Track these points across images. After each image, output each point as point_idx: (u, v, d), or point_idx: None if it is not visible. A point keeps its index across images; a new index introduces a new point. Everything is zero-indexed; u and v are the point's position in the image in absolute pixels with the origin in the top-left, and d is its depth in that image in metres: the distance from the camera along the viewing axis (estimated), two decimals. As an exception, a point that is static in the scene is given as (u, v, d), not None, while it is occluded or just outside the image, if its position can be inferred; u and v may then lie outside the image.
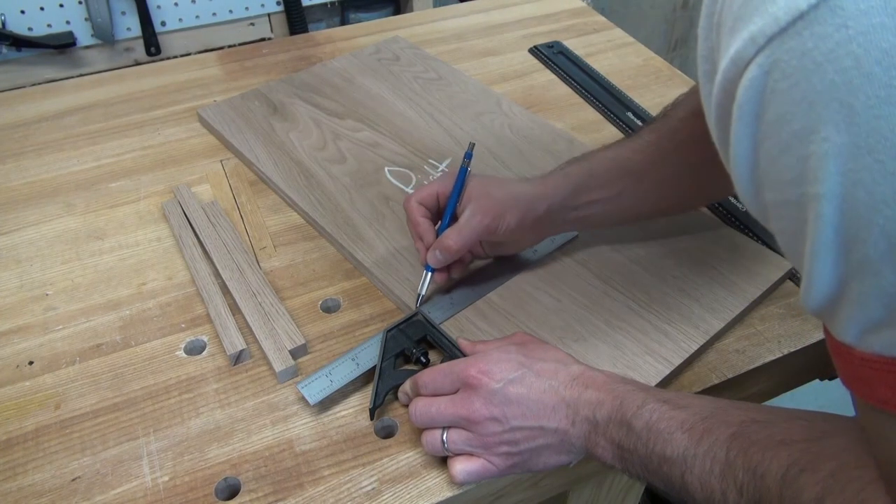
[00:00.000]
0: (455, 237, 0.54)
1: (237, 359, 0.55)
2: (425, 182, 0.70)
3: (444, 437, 0.46)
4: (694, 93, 0.56)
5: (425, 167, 0.72)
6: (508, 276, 0.60)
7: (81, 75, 1.03)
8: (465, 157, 0.57)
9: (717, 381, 0.54)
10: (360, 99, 0.83)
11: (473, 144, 0.58)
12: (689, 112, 0.56)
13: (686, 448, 0.40)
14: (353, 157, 0.74)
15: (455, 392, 0.47)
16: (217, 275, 0.62)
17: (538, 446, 0.45)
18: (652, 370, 0.52)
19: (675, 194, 0.59)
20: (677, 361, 0.53)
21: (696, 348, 0.54)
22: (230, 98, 0.84)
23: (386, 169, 0.72)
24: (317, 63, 0.92)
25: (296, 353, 0.55)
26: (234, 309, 0.58)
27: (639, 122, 0.81)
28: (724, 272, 0.60)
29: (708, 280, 0.59)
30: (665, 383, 0.53)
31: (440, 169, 0.72)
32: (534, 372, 0.46)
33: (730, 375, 0.55)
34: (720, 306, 0.57)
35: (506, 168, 0.72)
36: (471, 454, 0.46)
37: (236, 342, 0.55)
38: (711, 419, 0.40)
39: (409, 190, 0.69)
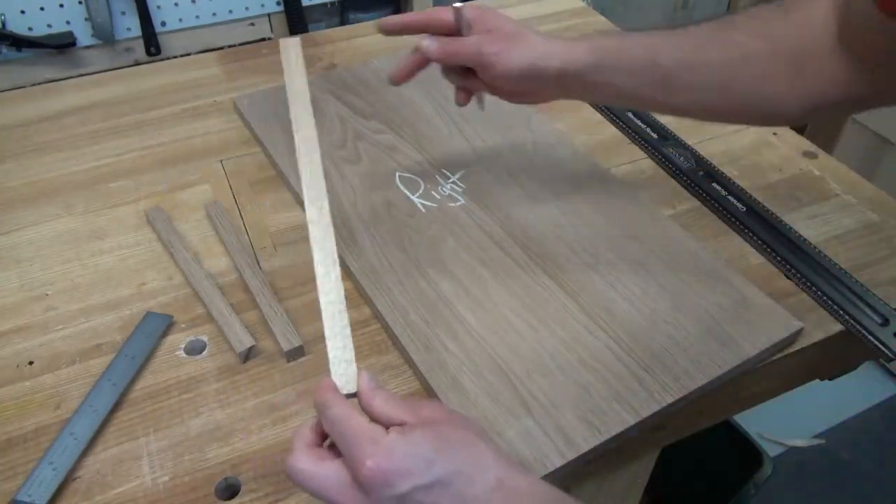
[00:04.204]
0: (444, 44, 0.55)
1: (246, 356, 0.55)
2: (433, 192, 0.69)
3: None
4: (763, 13, 0.53)
5: (437, 176, 0.72)
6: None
7: (81, 75, 1.03)
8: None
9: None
10: (390, 101, 0.83)
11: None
12: (752, 31, 0.52)
13: None
14: (368, 159, 0.74)
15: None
16: (215, 275, 0.62)
17: None
18: (616, 418, 0.49)
19: (705, 105, 0.55)
20: (645, 413, 0.50)
21: (669, 402, 0.50)
22: (267, 88, 0.85)
23: (397, 174, 0.72)
24: (318, 62, 0.92)
25: (294, 354, 0.55)
26: (235, 309, 0.58)
27: (638, 122, 0.81)
28: (723, 324, 0.56)
29: (703, 330, 0.55)
30: (633, 429, 0.50)
31: (451, 180, 0.71)
32: (448, 480, 0.36)
33: (729, 376, 0.54)
34: (708, 360, 0.53)
35: (519, 186, 0.70)
36: None
37: (244, 339, 0.55)
38: None
39: (415, 198, 0.69)
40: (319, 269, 0.45)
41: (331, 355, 0.42)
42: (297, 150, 0.50)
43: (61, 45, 1.14)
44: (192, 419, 0.51)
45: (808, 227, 0.68)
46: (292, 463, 0.38)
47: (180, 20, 1.22)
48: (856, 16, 0.48)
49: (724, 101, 0.54)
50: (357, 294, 0.61)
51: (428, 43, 0.57)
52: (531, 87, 0.56)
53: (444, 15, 0.58)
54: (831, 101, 0.51)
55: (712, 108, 0.55)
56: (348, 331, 0.43)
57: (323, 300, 0.44)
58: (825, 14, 0.50)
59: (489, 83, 0.57)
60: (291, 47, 0.57)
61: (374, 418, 0.39)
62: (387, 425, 0.38)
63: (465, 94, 0.60)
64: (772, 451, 1.34)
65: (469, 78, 0.59)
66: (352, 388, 0.41)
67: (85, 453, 0.49)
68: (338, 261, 0.45)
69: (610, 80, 0.54)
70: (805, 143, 0.80)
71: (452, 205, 0.68)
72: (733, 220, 0.68)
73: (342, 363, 0.41)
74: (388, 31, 0.59)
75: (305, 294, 0.61)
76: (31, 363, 0.55)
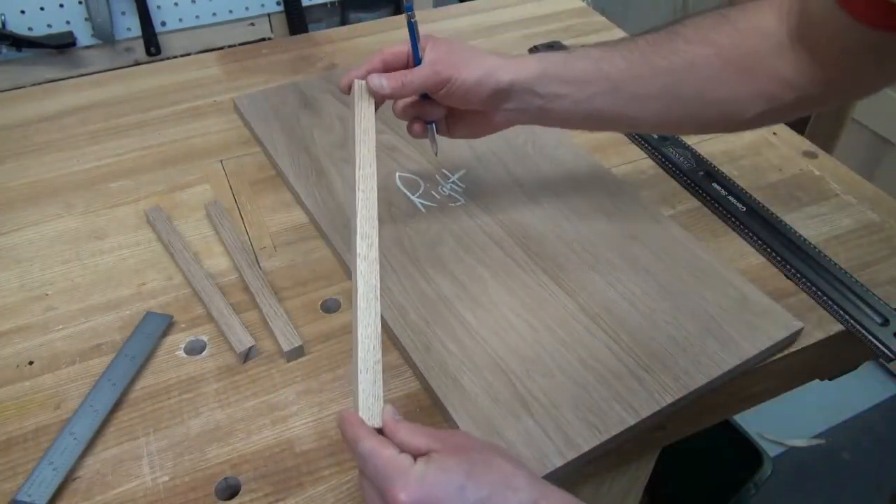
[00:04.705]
0: (395, 78, 0.54)
1: (246, 356, 0.55)
2: (433, 192, 0.69)
3: None
4: (707, 22, 0.54)
5: (437, 176, 0.72)
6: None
7: (81, 75, 1.03)
8: (407, 11, 0.56)
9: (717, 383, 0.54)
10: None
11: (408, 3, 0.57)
12: (697, 38, 0.53)
13: None
14: None
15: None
16: (215, 275, 0.62)
17: None
18: (616, 417, 0.49)
19: (658, 114, 0.56)
20: (645, 413, 0.50)
21: (669, 402, 0.50)
22: (267, 88, 0.85)
23: (397, 174, 0.72)
24: (318, 62, 0.92)
25: (293, 354, 0.55)
26: (235, 309, 0.58)
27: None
28: (723, 324, 0.56)
29: (702, 330, 0.55)
30: (633, 430, 0.50)
31: (451, 180, 0.71)
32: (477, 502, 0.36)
33: (730, 376, 0.55)
34: (708, 360, 0.53)
35: (519, 186, 0.70)
36: None
37: (244, 339, 0.55)
38: None
39: (415, 198, 0.69)
40: (361, 303, 0.45)
41: (361, 388, 0.42)
42: (356, 185, 0.52)
43: (61, 45, 1.14)
44: (192, 419, 0.51)
45: (808, 227, 0.68)
46: (359, 478, 0.40)
47: (180, 20, 1.23)
48: (814, 13, 0.49)
49: (676, 109, 0.55)
50: (357, 294, 0.61)
51: (377, 82, 0.55)
52: (486, 101, 0.55)
53: (397, 48, 0.57)
54: (783, 102, 0.52)
55: (667, 117, 0.56)
56: (380, 366, 0.43)
57: (360, 332, 0.44)
58: (773, 19, 0.52)
59: (444, 101, 0.56)
60: (365, 89, 0.57)
61: (401, 450, 0.39)
62: (414, 455, 0.38)
63: (421, 125, 0.59)
64: (772, 451, 1.34)
65: (423, 105, 0.58)
66: (377, 423, 0.41)
67: (85, 453, 0.49)
68: (379, 297, 0.46)
69: (559, 91, 0.55)
70: (805, 143, 0.80)
71: (452, 205, 0.68)
72: (733, 220, 0.68)
73: (370, 397, 0.42)
74: (349, 88, 0.58)
75: (305, 294, 0.61)
76: (31, 363, 0.55)
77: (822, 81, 0.51)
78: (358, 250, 0.48)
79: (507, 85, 0.54)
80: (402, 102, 0.58)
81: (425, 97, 0.58)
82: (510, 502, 0.37)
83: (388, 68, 0.57)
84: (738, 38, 0.52)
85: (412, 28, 0.56)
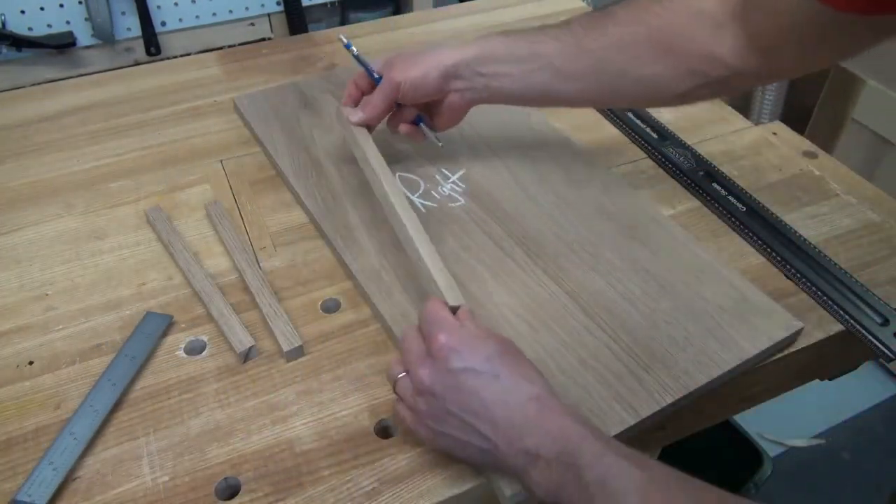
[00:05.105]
0: (364, 105, 0.64)
1: (246, 356, 0.55)
2: (433, 192, 0.70)
3: (398, 376, 0.47)
4: (641, 3, 0.57)
5: (437, 176, 0.72)
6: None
7: (81, 75, 1.03)
8: (347, 48, 0.67)
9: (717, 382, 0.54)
10: None
11: (346, 42, 0.68)
12: (627, 19, 0.57)
13: None
14: None
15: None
16: (215, 275, 0.62)
17: (465, 441, 0.43)
18: (616, 417, 0.49)
19: (588, 90, 0.61)
20: (645, 413, 0.50)
21: (669, 402, 0.50)
22: (267, 88, 0.85)
23: (397, 174, 0.72)
24: (318, 62, 0.92)
25: (293, 354, 0.55)
26: (235, 309, 0.58)
27: (638, 122, 0.81)
28: (723, 324, 0.56)
29: (702, 330, 0.55)
30: (633, 430, 0.50)
31: (451, 180, 0.71)
32: (497, 374, 0.43)
33: (730, 376, 0.55)
34: (708, 360, 0.53)
35: (517, 184, 0.70)
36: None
37: (244, 340, 0.55)
38: (674, 491, 0.38)
39: (415, 198, 0.69)
40: (413, 234, 0.55)
41: (439, 279, 0.52)
42: (379, 179, 0.61)
43: (61, 45, 1.14)
44: (192, 419, 0.51)
45: (808, 227, 0.68)
46: (403, 334, 0.48)
47: (180, 20, 1.22)
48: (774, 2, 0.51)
49: (603, 85, 0.60)
50: (357, 294, 0.61)
51: (355, 118, 0.65)
52: (437, 87, 0.62)
53: (361, 72, 0.66)
54: (714, 78, 0.56)
55: (597, 93, 0.61)
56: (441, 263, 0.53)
57: (421, 251, 0.54)
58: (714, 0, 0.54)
59: (406, 101, 0.64)
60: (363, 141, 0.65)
61: None
62: None
63: (410, 127, 0.67)
64: (772, 451, 1.34)
65: (401, 112, 0.66)
66: (459, 301, 0.50)
67: (85, 453, 0.49)
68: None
69: (499, 70, 0.61)
70: (805, 143, 0.80)
71: (452, 205, 0.68)
72: (733, 220, 0.68)
73: (446, 284, 0.51)
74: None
75: (305, 294, 0.61)
76: (31, 363, 0.55)
77: (758, 61, 0.53)
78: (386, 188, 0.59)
79: (451, 67, 0.62)
80: (386, 119, 0.66)
81: (400, 105, 0.66)
82: (520, 388, 0.43)
83: (360, 88, 0.66)
84: (668, 18, 0.55)
85: (358, 59, 0.67)
